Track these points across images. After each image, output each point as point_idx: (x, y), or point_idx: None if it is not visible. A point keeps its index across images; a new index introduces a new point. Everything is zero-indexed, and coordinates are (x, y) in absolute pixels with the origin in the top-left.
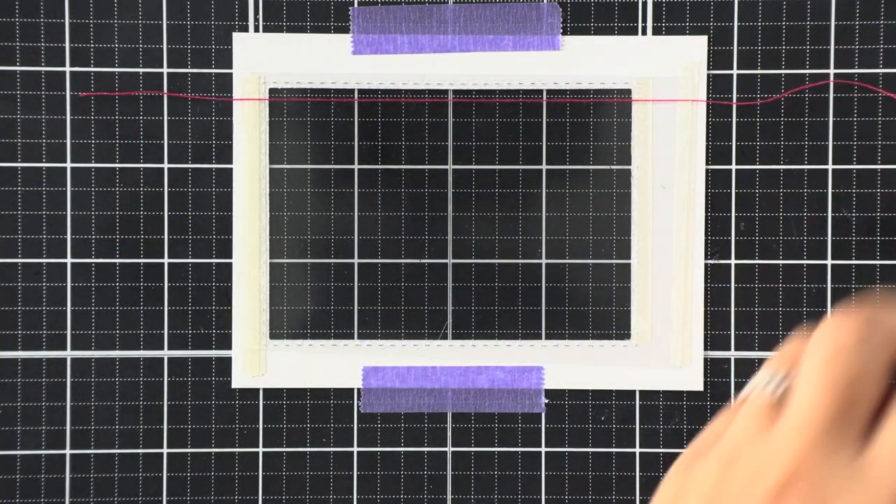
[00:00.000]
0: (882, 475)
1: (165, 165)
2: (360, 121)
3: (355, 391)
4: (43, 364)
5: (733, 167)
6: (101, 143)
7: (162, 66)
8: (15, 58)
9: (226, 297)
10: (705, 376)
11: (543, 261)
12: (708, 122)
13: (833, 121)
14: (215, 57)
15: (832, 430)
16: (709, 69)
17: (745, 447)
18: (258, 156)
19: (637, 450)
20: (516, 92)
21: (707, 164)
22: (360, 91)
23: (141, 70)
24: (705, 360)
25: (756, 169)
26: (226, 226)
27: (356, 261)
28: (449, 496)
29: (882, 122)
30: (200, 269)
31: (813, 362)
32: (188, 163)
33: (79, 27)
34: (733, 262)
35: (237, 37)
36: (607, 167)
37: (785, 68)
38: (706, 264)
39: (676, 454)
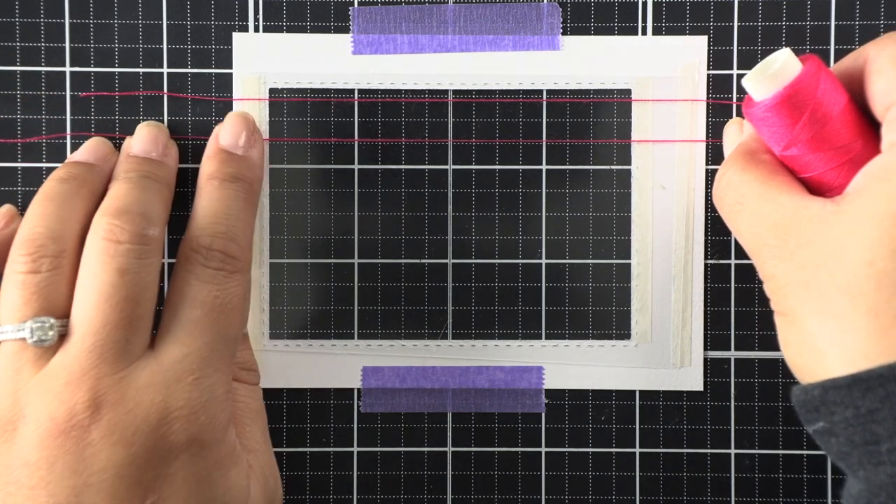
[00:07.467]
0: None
1: None
2: (360, 121)
3: (355, 391)
4: None
5: None
6: None
7: (162, 66)
8: (15, 58)
9: None
10: (705, 376)
11: (543, 261)
12: (708, 122)
13: None
14: (215, 57)
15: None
16: (709, 69)
17: None
18: None
19: (637, 450)
20: (516, 92)
21: (707, 164)
22: (360, 91)
23: (141, 70)
24: (705, 360)
25: None
26: None
27: (356, 261)
28: (449, 496)
29: None
30: None
31: None
32: (188, 163)
33: (79, 27)
34: (733, 262)
35: (237, 37)
36: (607, 167)
37: None
38: (706, 264)
39: (676, 454)
